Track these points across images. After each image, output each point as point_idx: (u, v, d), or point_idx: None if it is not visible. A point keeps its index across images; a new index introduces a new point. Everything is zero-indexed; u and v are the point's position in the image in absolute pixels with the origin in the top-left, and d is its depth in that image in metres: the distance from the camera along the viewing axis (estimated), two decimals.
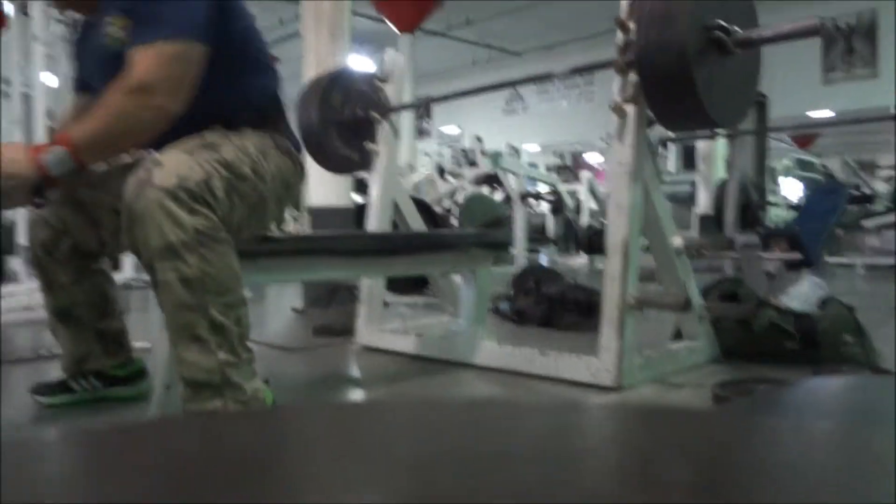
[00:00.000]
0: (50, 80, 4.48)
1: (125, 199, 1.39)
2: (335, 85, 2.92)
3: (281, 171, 1.67)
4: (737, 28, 2.01)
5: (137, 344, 2.05)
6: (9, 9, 4.30)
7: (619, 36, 2.10)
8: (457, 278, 2.80)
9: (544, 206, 9.68)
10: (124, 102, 1.44)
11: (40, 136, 4.23)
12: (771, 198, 7.44)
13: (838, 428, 0.34)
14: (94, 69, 1.66)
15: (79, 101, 1.84)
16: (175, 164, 1.39)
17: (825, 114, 10.64)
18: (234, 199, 1.48)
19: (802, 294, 2.45)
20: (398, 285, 4.10)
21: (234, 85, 1.62)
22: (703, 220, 7.64)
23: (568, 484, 0.26)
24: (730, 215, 4.96)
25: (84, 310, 1.84)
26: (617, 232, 2.10)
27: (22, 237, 4.18)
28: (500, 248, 2.53)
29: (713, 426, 0.34)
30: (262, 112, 1.70)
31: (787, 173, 10.56)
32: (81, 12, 1.76)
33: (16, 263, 4.25)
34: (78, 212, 1.77)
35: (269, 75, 1.75)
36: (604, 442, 0.33)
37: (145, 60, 1.44)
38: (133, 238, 1.40)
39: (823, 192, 4.97)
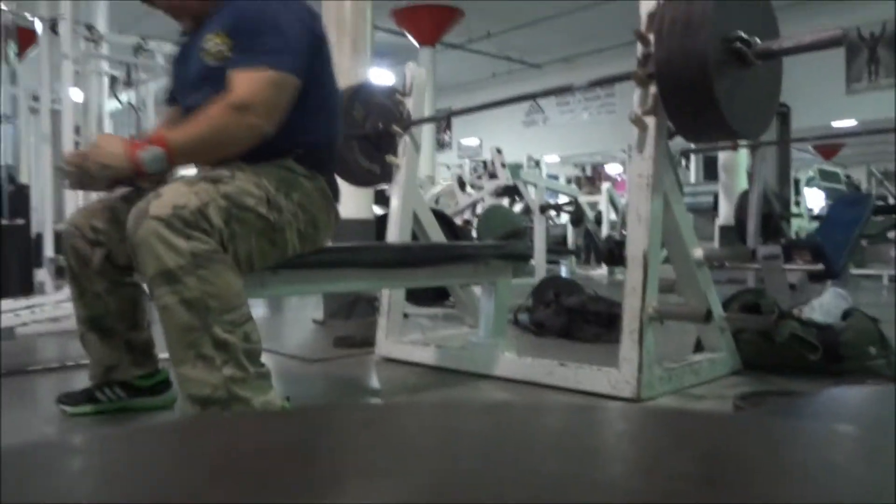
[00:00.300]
0: (77, 96, 4.57)
1: (127, 230, 1.47)
2: (356, 98, 2.96)
3: (307, 208, 1.72)
4: (757, 39, 2.01)
5: (162, 355, 2.08)
6: (38, 26, 4.40)
7: (640, 48, 2.10)
8: (476, 290, 2.81)
9: (564, 218, 9.67)
10: (223, 117, 1.56)
11: (69, 151, 4.31)
12: (794, 208, 7.36)
13: (849, 431, 0.35)
14: (185, 83, 1.80)
15: (169, 114, 1.97)
16: (172, 195, 1.46)
17: (849, 124, 10.52)
18: (233, 227, 1.52)
19: (825, 306, 2.42)
20: (418, 297, 4.12)
21: (295, 121, 1.68)
22: (725, 230, 7.58)
23: (581, 474, 0.27)
24: (752, 226, 4.92)
25: (115, 320, 1.87)
26: (637, 243, 2.10)
27: (48, 250, 4.25)
28: (519, 259, 2.54)
29: (723, 427, 0.34)
30: (313, 151, 1.77)
31: (810, 184, 10.45)
32: (184, 24, 1.86)
33: (42, 275, 4.33)
34: (113, 225, 1.81)
35: (330, 122, 1.84)
36: (616, 439, 0.34)
37: (248, 82, 1.57)
38: (136, 266, 1.48)
39: (847, 203, 4.91)
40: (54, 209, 4.40)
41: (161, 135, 1.59)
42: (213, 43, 1.67)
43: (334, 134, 1.87)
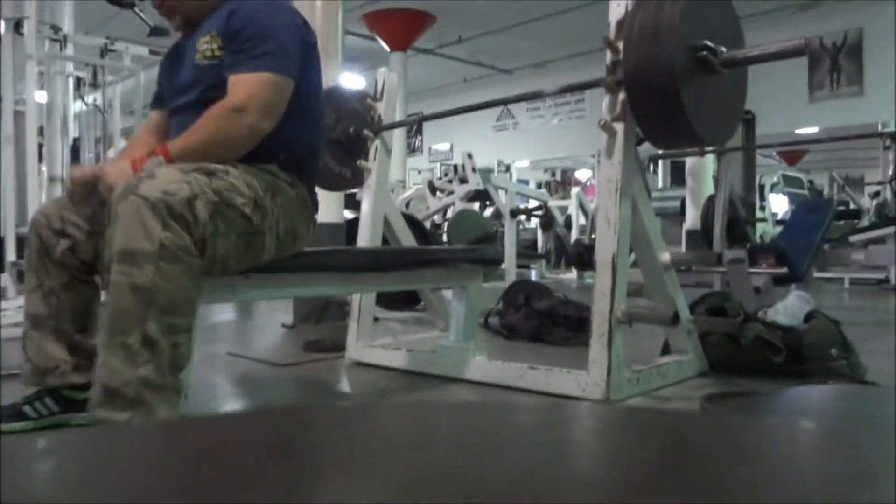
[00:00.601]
0: (42, 97, 4.49)
1: (110, 201, 1.46)
2: (328, 103, 2.94)
3: (289, 215, 1.73)
4: (723, 48, 2.05)
5: None
6: (2, 26, 4.32)
7: (609, 55, 2.13)
8: (447, 293, 2.81)
9: (535, 222, 9.73)
10: (220, 121, 1.61)
11: (33, 153, 4.24)
12: (759, 213, 7.50)
13: (808, 426, 0.36)
14: (175, 85, 1.82)
15: (152, 118, 1.97)
16: (165, 179, 1.45)
17: (812, 131, 10.76)
18: (218, 223, 1.52)
19: (789, 308, 2.47)
20: (389, 301, 4.12)
21: (282, 126, 1.69)
22: (692, 234, 7.69)
23: (553, 467, 0.28)
24: (717, 230, 5.00)
25: (65, 319, 1.77)
26: (606, 248, 2.13)
27: (10, 254, 4.16)
28: (490, 263, 2.55)
29: (687, 422, 0.36)
30: (296, 158, 1.79)
31: (774, 189, 10.67)
32: (174, 23, 1.87)
33: (5, 280, 4.24)
34: (84, 218, 1.77)
35: (315, 130, 1.87)
36: (585, 434, 0.35)
37: (245, 85, 1.63)
38: (106, 238, 1.46)
39: (809, 208, 5.03)
40: (16, 212, 4.32)
41: (163, 147, 1.62)
42: (206, 44, 1.71)
43: (318, 143, 1.89)
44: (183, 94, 1.78)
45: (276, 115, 1.66)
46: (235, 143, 1.64)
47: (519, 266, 7.26)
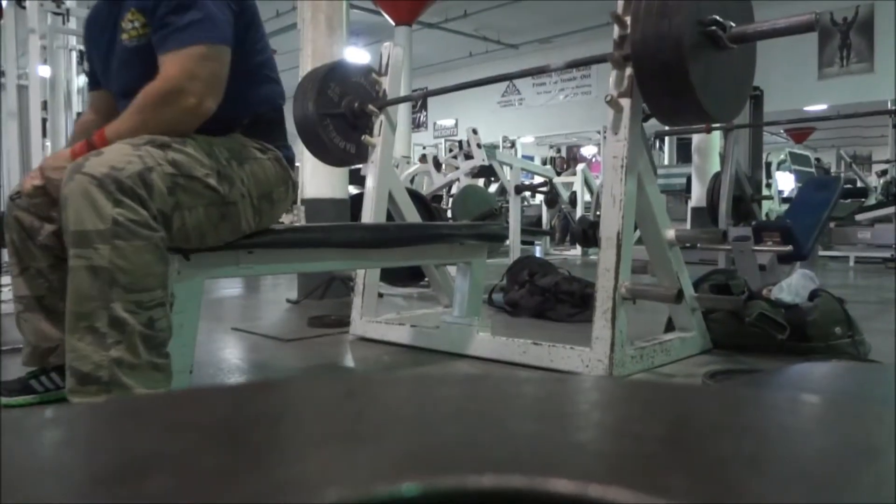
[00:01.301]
0: (45, 72, 4.48)
1: (62, 183, 1.41)
2: (332, 77, 2.93)
3: (259, 179, 1.67)
4: (732, 23, 2.03)
5: None
6: (4, 0, 4.29)
7: (616, 30, 2.11)
8: (451, 269, 2.82)
9: (539, 199, 9.71)
10: (156, 107, 1.50)
11: (37, 128, 4.24)
12: (765, 191, 7.47)
13: (810, 399, 0.36)
14: (108, 66, 1.71)
15: (93, 99, 1.90)
16: (112, 155, 1.40)
17: (821, 108, 10.67)
18: (179, 196, 1.47)
19: (793, 286, 2.47)
20: (393, 277, 4.13)
21: (234, 91, 1.62)
22: (697, 212, 7.66)
23: (557, 437, 0.28)
24: (723, 208, 4.99)
25: (58, 298, 1.73)
26: (611, 224, 2.12)
27: None
28: (495, 240, 2.55)
29: (690, 396, 0.36)
30: (258, 120, 1.72)
31: (781, 167, 10.62)
32: None
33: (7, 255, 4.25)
34: None
35: (270, 86, 1.78)
36: (590, 406, 0.35)
37: (177, 64, 1.51)
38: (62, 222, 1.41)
39: (816, 186, 5.00)
40: None
41: (101, 132, 1.53)
42: (131, 24, 1.60)
43: (276, 98, 1.80)
44: (118, 78, 1.68)
45: (220, 89, 1.56)
46: (176, 128, 1.53)
47: (523, 242, 7.26)
